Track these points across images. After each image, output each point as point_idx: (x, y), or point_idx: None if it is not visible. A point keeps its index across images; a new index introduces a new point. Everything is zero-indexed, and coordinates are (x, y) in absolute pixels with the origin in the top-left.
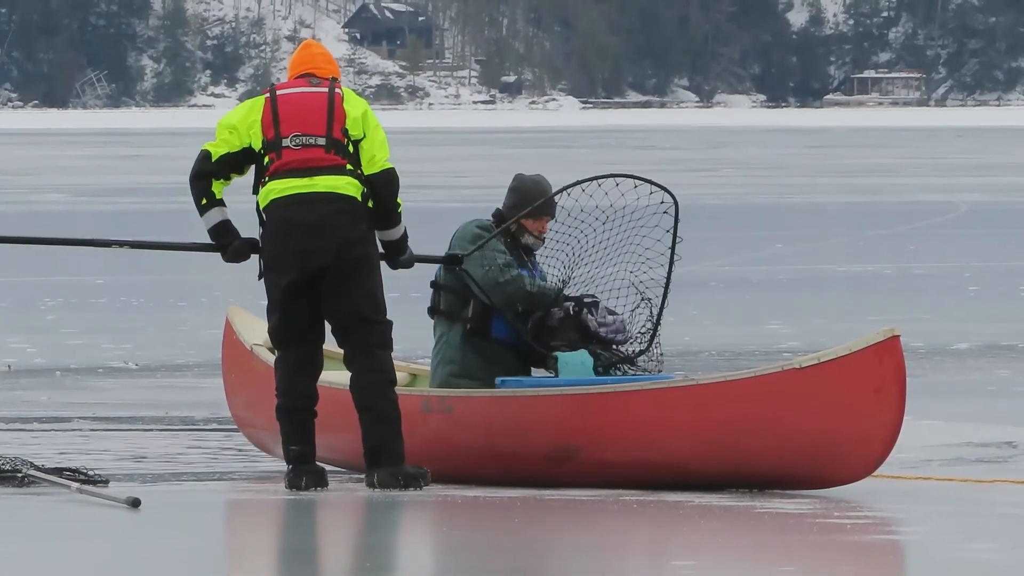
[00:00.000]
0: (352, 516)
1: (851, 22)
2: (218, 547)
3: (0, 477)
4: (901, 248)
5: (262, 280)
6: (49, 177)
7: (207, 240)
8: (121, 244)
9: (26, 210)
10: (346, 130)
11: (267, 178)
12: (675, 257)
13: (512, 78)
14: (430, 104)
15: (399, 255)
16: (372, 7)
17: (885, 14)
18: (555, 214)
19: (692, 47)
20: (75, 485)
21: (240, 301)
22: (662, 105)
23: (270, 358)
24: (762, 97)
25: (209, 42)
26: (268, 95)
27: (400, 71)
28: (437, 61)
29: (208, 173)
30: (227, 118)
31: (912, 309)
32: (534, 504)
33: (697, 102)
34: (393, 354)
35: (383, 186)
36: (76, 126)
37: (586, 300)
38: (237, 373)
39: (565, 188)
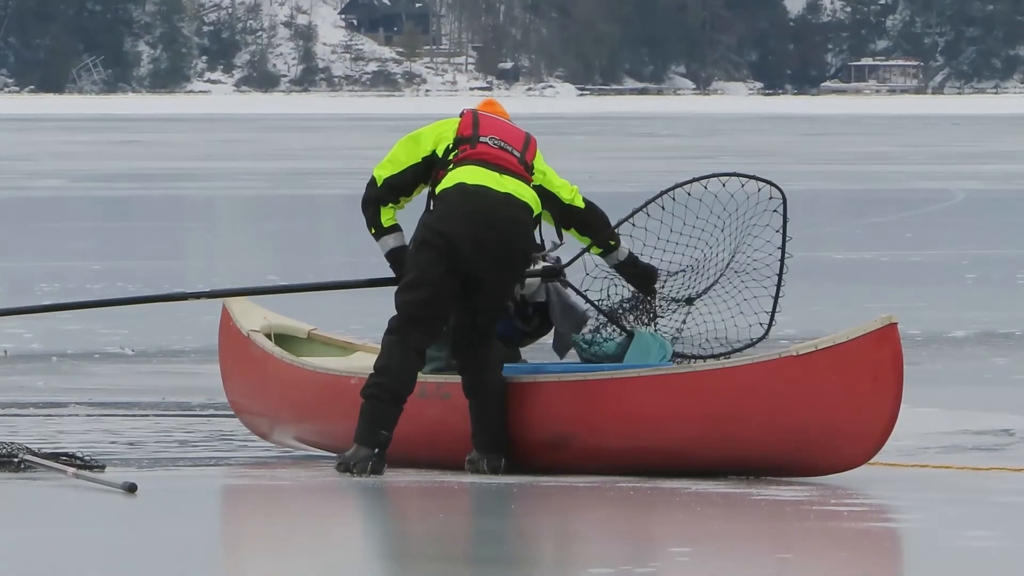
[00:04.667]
0: (348, 502)
1: (848, 9)
2: (214, 532)
3: None
4: (898, 236)
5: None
6: (45, 162)
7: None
8: (294, 289)
9: (23, 196)
10: (533, 165)
11: (452, 164)
12: (786, 254)
13: (509, 65)
14: (427, 91)
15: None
16: None
17: (883, 2)
18: None
19: (689, 34)
20: (71, 470)
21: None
22: (659, 92)
23: (267, 344)
24: (759, 84)
25: (206, 28)
26: (468, 110)
27: (397, 57)
28: (434, 48)
29: (376, 199)
30: (415, 131)
31: (909, 297)
32: (530, 490)
33: (694, 89)
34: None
35: (593, 216)
36: (72, 111)
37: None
38: (234, 359)
39: (668, 191)
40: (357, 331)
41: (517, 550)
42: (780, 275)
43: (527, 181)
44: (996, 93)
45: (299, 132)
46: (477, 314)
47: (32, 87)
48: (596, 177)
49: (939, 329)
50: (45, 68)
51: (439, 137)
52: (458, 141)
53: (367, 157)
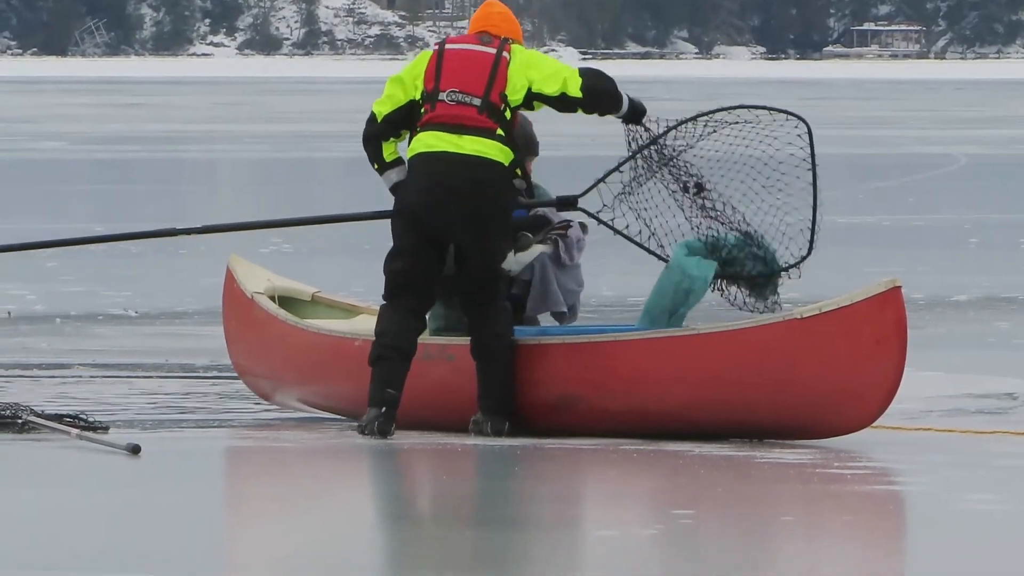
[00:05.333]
0: (352, 463)
1: None
2: (218, 494)
3: (0, 423)
4: (901, 200)
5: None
6: (48, 125)
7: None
8: (291, 223)
9: (25, 158)
10: (504, 95)
11: (418, 128)
12: (817, 181)
13: None
14: None
15: (638, 121)
16: None
17: None
18: (538, 152)
19: None
20: (75, 431)
21: (241, 249)
22: (661, 56)
23: (270, 306)
24: (762, 49)
25: None
26: (437, 48)
27: (400, 21)
28: (437, 11)
29: (376, 135)
30: (398, 72)
31: (912, 261)
32: (534, 452)
33: (696, 53)
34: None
35: (592, 106)
36: (75, 74)
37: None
38: (237, 321)
39: (691, 119)
40: (361, 294)
41: (521, 512)
42: (815, 197)
43: (491, 130)
44: (998, 58)
45: (302, 95)
46: (473, 275)
47: (35, 49)
48: (598, 141)
49: (942, 293)
50: (48, 30)
51: (415, 77)
52: (423, 97)
53: None
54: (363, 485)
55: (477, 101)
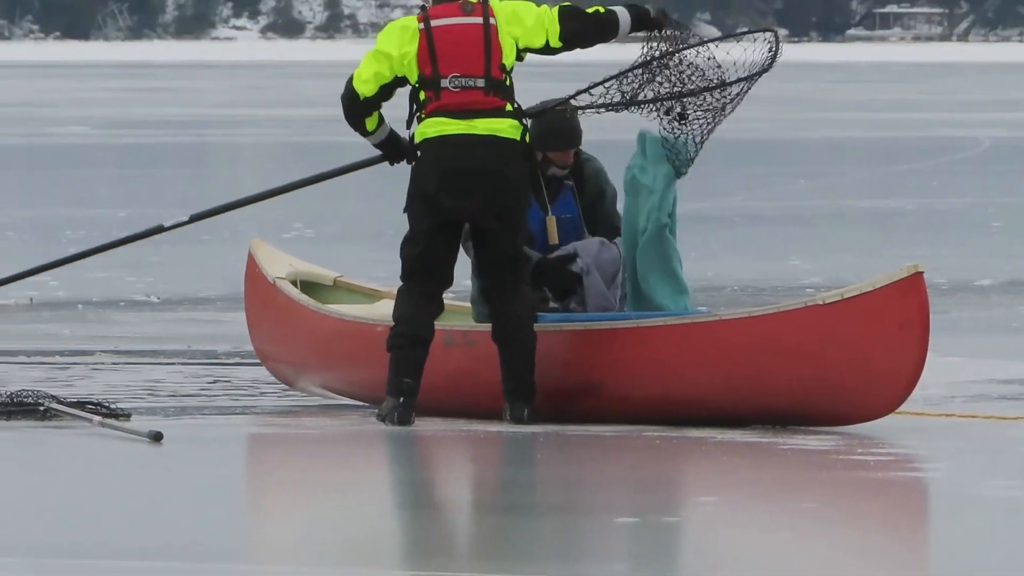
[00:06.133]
0: (374, 450)
1: None
2: (240, 481)
3: (23, 410)
4: (924, 184)
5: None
6: (71, 109)
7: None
8: (283, 190)
9: (48, 143)
10: (503, 65)
11: (424, 115)
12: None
13: None
14: None
15: (648, 27)
16: None
17: None
18: (581, 142)
19: None
20: (97, 419)
21: (263, 234)
22: None
23: (293, 292)
24: (785, 31)
25: None
26: (422, 25)
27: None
28: None
29: (360, 114)
30: (381, 45)
31: (935, 245)
32: (555, 439)
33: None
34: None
35: (581, 45)
36: (98, 58)
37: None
38: (260, 307)
39: (668, 54)
40: (383, 279)
41: (543, 499)
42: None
43: (500, 108)
44: (1021, 40)
45: (325, 79)
46: (496, 258)
47: (57, 34)
48: (620, 125)
49: (965, 278)
50: (70, 14)
51: (405, 56)
52: (423, 83)
53: (392, 104)
54: (385, 472)
55: (481, 82)
